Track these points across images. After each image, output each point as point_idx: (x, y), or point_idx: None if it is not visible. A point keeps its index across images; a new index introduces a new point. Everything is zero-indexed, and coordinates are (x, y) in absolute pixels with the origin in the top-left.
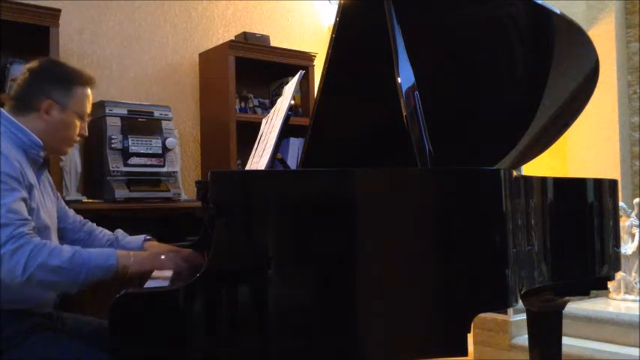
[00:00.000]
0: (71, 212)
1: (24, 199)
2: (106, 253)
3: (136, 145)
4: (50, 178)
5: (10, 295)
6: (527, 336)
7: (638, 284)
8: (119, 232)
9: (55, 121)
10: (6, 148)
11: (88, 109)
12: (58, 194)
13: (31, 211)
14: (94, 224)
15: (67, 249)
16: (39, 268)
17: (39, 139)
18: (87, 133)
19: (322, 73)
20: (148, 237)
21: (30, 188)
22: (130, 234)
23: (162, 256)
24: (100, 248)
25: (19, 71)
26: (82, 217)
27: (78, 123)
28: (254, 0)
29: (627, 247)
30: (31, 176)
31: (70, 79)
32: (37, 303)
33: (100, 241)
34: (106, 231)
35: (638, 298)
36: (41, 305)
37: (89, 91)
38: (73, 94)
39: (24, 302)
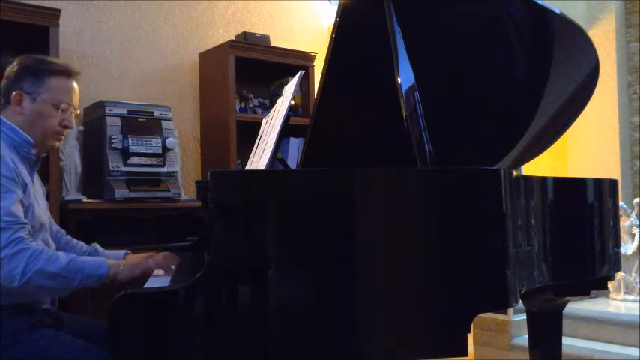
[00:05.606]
0: (53, 222)
1: (20, 201)
2: (98, 262)
3: (136, 145)
4: (39, 179)
5: (8, 288)
6: (527, 336)
7: (638, 284)
8: (96, 245)
9: (29, 112)
10: None
11: (73, 100)
12: (47, 203)
13: (26, 209)
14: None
15: (63, 256)
16: (37, 274)
17: (29, 137)
18: (72, 125)
19: (322, 73)
20: (128, 251)
21: (24, 187)
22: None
23: (150, 260)
24: (93, 257)
25: None
26: (59, 227)
27: (55, 113)
28: (254, 0)
29: (627, 247)
30: (25, 175)
31: (40, 69)
32: (34, 298)
33: (79, 252)
34: (82, 242)
35: (638, 298)
36: (39, 300)
37: (69, 81)
38: (44, 84)
39: (21, 296)
